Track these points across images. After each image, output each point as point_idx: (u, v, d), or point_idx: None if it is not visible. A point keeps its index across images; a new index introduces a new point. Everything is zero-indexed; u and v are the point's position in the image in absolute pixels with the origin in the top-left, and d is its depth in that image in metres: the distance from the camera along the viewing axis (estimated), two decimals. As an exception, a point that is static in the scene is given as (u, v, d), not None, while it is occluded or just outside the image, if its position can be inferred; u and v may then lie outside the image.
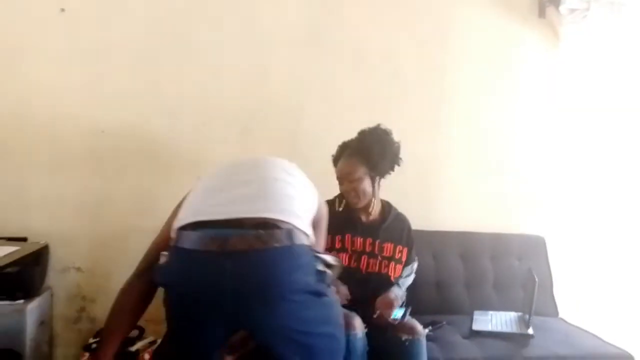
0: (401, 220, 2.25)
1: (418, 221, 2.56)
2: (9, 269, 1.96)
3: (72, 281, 2.41)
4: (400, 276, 2.20)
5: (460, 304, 2.54)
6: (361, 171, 2.10)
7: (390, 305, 2.03)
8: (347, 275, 2.04)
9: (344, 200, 2.17)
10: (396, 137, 2.20)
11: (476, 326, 2.27)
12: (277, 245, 1.34)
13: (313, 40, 2.63)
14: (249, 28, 2.57)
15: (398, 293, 2.14)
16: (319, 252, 1.50)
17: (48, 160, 2.37)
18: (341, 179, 2.15)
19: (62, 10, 2.40)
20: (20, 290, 2.05)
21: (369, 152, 2.10)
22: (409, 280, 2.26)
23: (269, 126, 2.59)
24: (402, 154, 2.19)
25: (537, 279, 2.18)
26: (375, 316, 2.00)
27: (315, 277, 1.43)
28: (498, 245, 2.68)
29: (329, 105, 2.65)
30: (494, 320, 2.34)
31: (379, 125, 2.15)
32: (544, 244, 2.75)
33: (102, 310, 2.29)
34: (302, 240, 1.41)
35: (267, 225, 1.37)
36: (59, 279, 2.39)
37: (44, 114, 2.37)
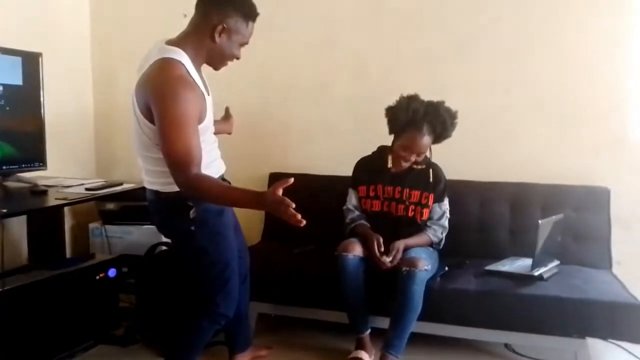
0: (430, 168, 2.50)
1: (470, 171, 2.82)
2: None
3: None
4: (430, 218, 2.49)
5: (501, 250, 2.68)
6: (429, 146, 2.44)
7: (397, 250, 2.35)
8: (381, 219, 2.49)
9: (386, 155, 2.52)
10: (456, 90, 2.58)
11: (490, 267, 2.46)
12: None
13: (374, 10, 2.97)
14: (316, 5, 3.06)
15: (412, 241, 2.42)
16: None
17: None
18: (410, 149, 2.40)
19: (185, 16, 3.27)
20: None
21: (443, 128, 2.40)
22: (443, 221, 2.50)
23: (337, 90, 3.08)
24: (463, 110, 2.50)
25: (539, 223, 2.27)
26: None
27: None
28: (552, 196, 2.70)
29: (391, 67, 2.98)
30: (512, 264, 2.48)
31: (449, 108, 2.41)
32: (608, 195, 2.66)
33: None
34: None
35: None
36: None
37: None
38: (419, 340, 2.33)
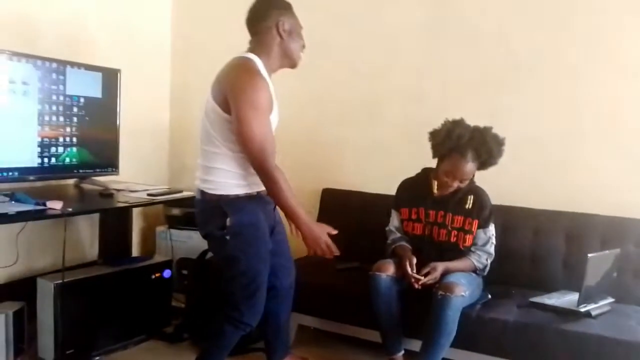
0: (474, 193, 2.45)
1: (526, 198, 2.74)
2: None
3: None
4: (474, 244, 2.44)
5: (553, 282, 2.56)
6: (474, 172, 2.43)
7: (434, 270, 2.31)
8: (422, 243, 2.48)
9: (432, 180, 2.49)
10: (514, 112, 2.60)
11: (535, 299, 2.36)
12: None
13: (432, 31, 2.99)
14: (376, 27, 3.11)
15: (453, 265, 2.36)
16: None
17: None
18: (453, 176, 2.36)
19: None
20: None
21: (489, 155, 2.35)
22: (488, 247, 2.43)
23: (393, 111, 3.11)
24: (517, 132, 2.54)
25: (588, 256, 2.15)
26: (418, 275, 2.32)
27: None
28: (612, 229, 2.54)
29: (448, 89, 2.97)
30: (560, 298, 2.36)
31: (496, 134, 2.37)
32: (675, 232, 2.47)
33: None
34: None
35: None
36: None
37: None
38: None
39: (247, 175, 1.97)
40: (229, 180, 1.96)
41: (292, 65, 2.08)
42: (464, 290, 2.22)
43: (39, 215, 2.09)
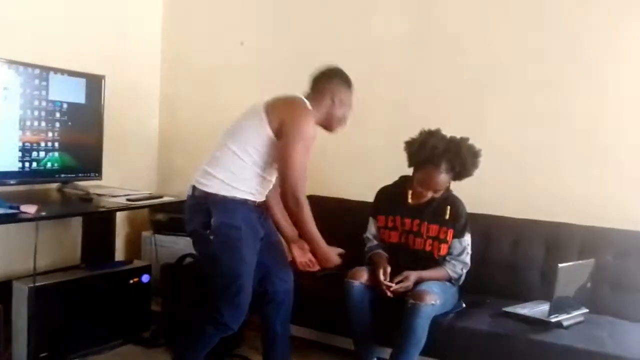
0: (450, 203, 2.43)
1: (504, 207, 2.73)
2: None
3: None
4: (450, 254, 2.43)
5: (531, 292, 2.53)
6: (448, 183, 2.42)
7: (406, 279, 2.31)
8: (397, 251, 2.48)
9: (407, 189, 2.49)
10: (495, 121, 2.65)
11: (509, 308, 2.34)
12: None
13: (415, 40, 3.01)
14: (361, 38, 3.14)
15: (427, 274, 2.35)
16: None
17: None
18: (427, 186, 2.37)
19: (242, 43, 3.50)
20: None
21: (462, 168, 2.35)
22: (463, 257, 2.42)
23: (377, 119, 3.12)
24: (498, 140, 2.63)
25: (559, 267, 2.13)
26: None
27: None
28: (591, 239, 2.53)
29: (430, 98, 2.98)
30: (534, 307, 2.34)
31: (472, 145, 2.37)
32: (654, 242, 2.44)
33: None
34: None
35: None
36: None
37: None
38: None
39: (246, 188, 2.08)
40: (229, 182, 2.04)
41: (329, 128, 2.28)
42: (435, 298, 2.21)
43: (9, 219, 2.11)
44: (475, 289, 2.55)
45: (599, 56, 2.64)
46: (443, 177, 2.34)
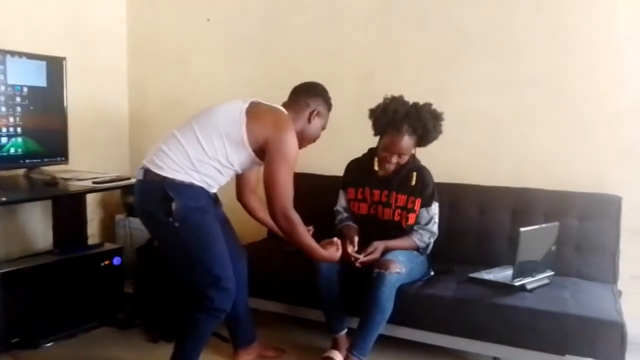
0: (417, 172, 2.45)
1: (470, 175, 2.75)
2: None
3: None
4: (417, 223, 2.45)
5: (499, 258, 2.56)
6: (412, 148, 2.41)
7: (375, 250, 2.34)
8: (368, 222, 2.49)
9: (373, 159, 2.51)
10: (460, 89, 2.66)
11: (474, 274, 2.37)
12: None
13: (380, 9, 2.98)
14: (328, 9, 3.11)
15: (394, 244, 2.37)
16: None
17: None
18: (390, 151, 2.37)
19: (208, 20, 3.45)
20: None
21: (424, 130, 2.35)
22: (430, 226, 2.44)
23: (345, 91, 3.09)
24: (466, 108, 2.64)
25: (520, 231, 2.16)
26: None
27: None
28: (556, 203, 2.55)
29: (396, 67, 2.96)
30: (499, 273, 2.37)
31: (434, 109, 2.38)
32: (619, 204, 2.47)
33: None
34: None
35: None
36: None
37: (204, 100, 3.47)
38: (391, 343, 2.31)
39: (201, 177, 2.01)
40: (184, 168, 1.97)
41: (299, 142, 2.13)
42: (400, 267, 2.23)
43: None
44: (445, 257, 2.58)
45: (566, 16, 2.62)
46: (406, 140, 2.35)
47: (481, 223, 2.67)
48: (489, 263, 2.53)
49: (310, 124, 2.19)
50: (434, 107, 2.39)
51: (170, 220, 1.94)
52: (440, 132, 2.39)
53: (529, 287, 2.21)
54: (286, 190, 2.01)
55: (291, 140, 2.01)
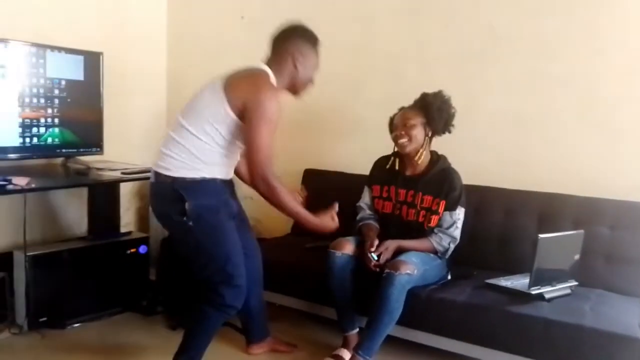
0: (446, 174, 2.39)
1: (499, 178, 2.66)
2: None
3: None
4: (439, 226, 2.38)
5: (523, 264, 2.41)
6: (417, 120, 2.39)
7: (386, 250, 2.30)
8: (391, 221, 2.47)
9: (395, 158, 2.52)
10: (492, 89, 2.62)
11: (491, 280, 2.29)
12: None
13: (409, 9, 2.93)
14: (354, 7, 3.09)
15: (408, 244, 2.33)
16: None
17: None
18: (397, 125, 2.41)
19: (242, 17, 3.50)
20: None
21: (427, 106, 2.39)
22: (452, 230, 2.36)
23: (372, 90, 3.07)
24: (496, 109, 2.58)
25: (539, 237, 2.06)
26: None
27: None
28: (586, 210, 2.42)
29: (426, 67, 2.90)
30: (519, 280, 2.27)
31: (440, 90, 2.41)
32: (652, 213, 2.32)
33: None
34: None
35: None
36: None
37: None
38: (400, 345, 2.27)
39: (210, 168, 2.01)
40: (191, 164, 1.97)
41: (294, 94, 2.16)
42: (411, 269, 2.19)
43: (-3, 191, 2.21)
44: (466, 261, 2.51)
45: (600, 14, 2.48)
46: (411, 112, 2.40)
47: (506, 228, 2.57)
48: (512, 269, 2.43)
49: (298, 69, 2.08)
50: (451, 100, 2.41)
51: (185, 220, 1.96)
52: (447, 116, 2.37)
53: (547, 296, 2.11)
54: (265, 152, 1.92)
55: (268, 101, 1.92)
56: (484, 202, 2.64)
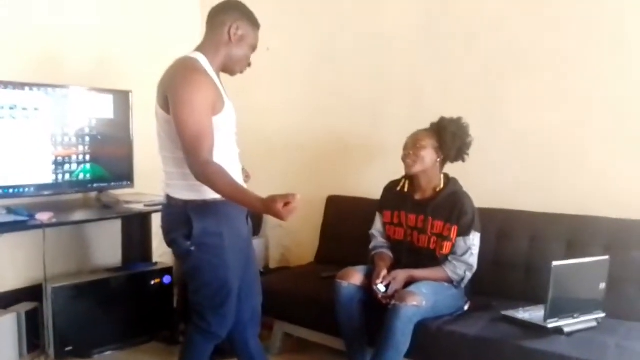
0: (457, 198, 2.29)
1: (523, 200, 2.51)
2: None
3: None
4: (453, 253, 2.27)
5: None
6: (428, 142, 2.34)
7: (394, 280, 2.21)
8: (403, 249, 2.40)
9: (405, 180, 2.46)
10: (515, 107, 2.53)
11: (508, 312, 2.13)
12: None
13: (427, 31, 2.86)
14: (374, 29, 3.05)
15: (420, 274, 2.24)
16: None
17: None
18: (407, 145, 2.38)
19: (268, 49, 3.55)
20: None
21: (442, 130, 2.33)
22: (467, 257, 2.25)
23: (394, 114, 3.00)
24: (519, 128, 2.50)
25: (553, 265, 1.89)
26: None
27: None
28: (618, 233, 2.22)
29: (447, 88, 2.82)
30: (537, 311, 2.10)
31: (460, 117, 2.35)
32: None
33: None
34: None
35: None
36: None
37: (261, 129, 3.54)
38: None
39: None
40: (185, 181, 1.86)
41: (230, 72, 2.01)
42: (419, 300, 2.08)
43: (17, 226, 2.34)
44: (488, 290, 2.38)
45: (625, 27, 2.31)
46: (422, 133, 2.37)
47: (532, 254, 2.40)
48: (537, 299, 2.24)
49: (232, 41, 1.90)
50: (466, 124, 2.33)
51: (188, 244, 1.89)
52: (461, 142, 2.30)
53: (566, 330, 1.93)
54: (190, 137, 1.74)
55: (180, 84, 1.77)
56: (507, 226, 2.49)
